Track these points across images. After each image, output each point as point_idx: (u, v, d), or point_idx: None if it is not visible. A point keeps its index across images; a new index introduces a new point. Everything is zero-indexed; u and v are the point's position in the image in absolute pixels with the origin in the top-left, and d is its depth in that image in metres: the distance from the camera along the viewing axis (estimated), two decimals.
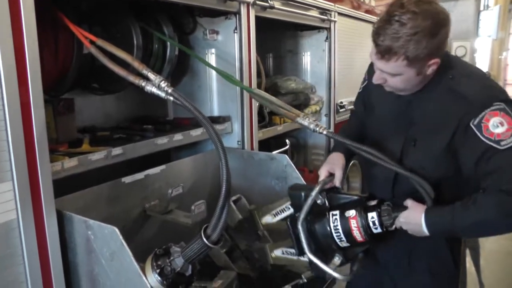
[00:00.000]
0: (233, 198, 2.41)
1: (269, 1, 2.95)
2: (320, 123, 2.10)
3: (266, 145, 3.46)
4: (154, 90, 1.72)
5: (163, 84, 1.70)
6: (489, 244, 5.06)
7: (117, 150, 2.17)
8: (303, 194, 1.97)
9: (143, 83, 1.75)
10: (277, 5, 3.05)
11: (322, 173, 2.02)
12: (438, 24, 1.63)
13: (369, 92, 2.12)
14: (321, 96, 4.20)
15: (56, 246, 1.73)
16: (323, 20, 3.86)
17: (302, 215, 1.88)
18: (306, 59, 4.30)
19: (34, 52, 1.60)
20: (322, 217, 1.89)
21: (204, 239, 1.58)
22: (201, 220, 2.21)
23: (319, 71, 4.23)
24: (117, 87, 2.53)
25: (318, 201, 1.92)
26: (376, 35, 1.68)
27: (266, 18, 3.03)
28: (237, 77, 2.85)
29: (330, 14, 3.93)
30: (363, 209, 1.84)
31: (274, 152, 3.40)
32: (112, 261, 1.65)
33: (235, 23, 2.79)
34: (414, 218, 1.78)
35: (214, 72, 2.98)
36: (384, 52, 1.67)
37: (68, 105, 2.38)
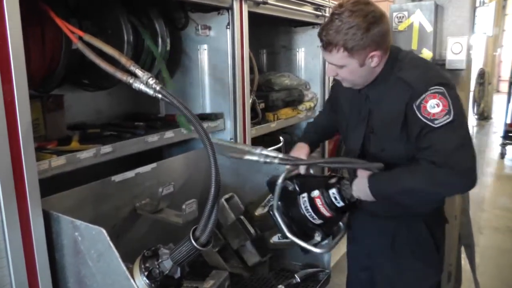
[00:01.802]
0: (226, 196, 2.38)
1: None
2: (271, 153, 2.15)
3: (260, 142, 3.42)
4: (142, 87, 1.69)
5: (151, 81, 1.67)
6: (483, 241, 5.07)
7: (106, 148, 2.13)
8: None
9: (130, 80, 1.71)
10: (270, 0, 3.01)
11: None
12: (371, 21, 1.86)
13: (337, 91, 2.35)
14: (315, 93, 4.17)
15: (42, 247, 1.68)
16: (317, 16, 3.82)
17: (274, 203, 2.08)
18: (300, 55, 4.27)
19: (18, 47, 1.55)
20: (295, 201, 2.08)
21: (193, 242, 1.55)
22: (192, 220, 2.18)
23: (313, 67, 4.20)
24: (108, 83, 2.48)
25: (290, 188, 2.11)
26: (321, 31, 1.94)
27: (260, 13, 2.99)
28: (230, 73, 2.81)
29: (325, 10, 3.89)
30: (325, 188, 2.03)
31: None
32: (99, 263, 1.62)
33: (227, 18, 2.75)
34: (362, 184, 1.98)
35: (206, 68, 2.94)
36: (327, 45, 1.92)
37: (58, 102, 2.35)
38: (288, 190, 2.11)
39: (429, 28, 2.68)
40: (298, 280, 2.39)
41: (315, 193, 2.03)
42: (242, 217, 2.24)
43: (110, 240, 1.56)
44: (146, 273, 1.60)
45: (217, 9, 2.74)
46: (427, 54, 2.70)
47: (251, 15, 2.87)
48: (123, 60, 1.77)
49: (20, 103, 1.57)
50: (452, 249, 3.11)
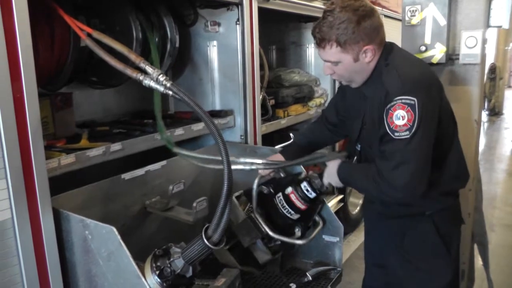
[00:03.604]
0: (236, 194, 2.36)
1: None
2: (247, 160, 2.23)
3: (270, 139, 3.40)
4: (152, 84, 1.67)
5: (161, 78, 1.64)
6: (495, 239, 5.01)
7: (116, 146, 2.13)
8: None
9: (141, 77, 1.69)
10: None
11: (260, 171, 2.30)
12: (361, 15, 1.89)
13: (344, 89, 2.35)
14: (325, 89, 4.14)
15: (53, 245, 1.68)
16: None
17: (254, 206, 2.24)
18: (310, 51, 4.24)
19: (27, 45, 1.54)
20: (272, 203, 2.25)
21: (205, 240, 1.52)
22: (203, 218, 2.16)
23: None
24: (116, 81, 2.47)
25: (265, 192, 2.28)
26: (314, 29, 1.97)
27: (269, 9, 2.96)
28: (240, 69, 2.80)
29: None
30: (296, 183, 2.21)
31: (277, 146, 3.34)
32: (109, 262, 1.61)
33: (237, 14, 2.73)
34: (332, 168, 2.14)
35: (215, 65, 2.93)
36: (320, 41, 1.95)
37: (66, 100, 2.34)
38: (264, 195, 2.28)
39: (442, 22, 2.63)
40: (310, 278, 2.36)
41: (289, 189, 2.21)
42: (253, 215, 2.22)
43: (120, 238, 1.54)
44: (157, 272, 1.58)
45: (226, 5, 2.72)
46: (440, 48, 2.66)
47: (260, 10, 2.84)
48: (133, 56, 1.75)
49: (29, 101, 1.56)
50: (465, 247, 3.07)
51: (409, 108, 1.84)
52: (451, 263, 2.23)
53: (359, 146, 2.23)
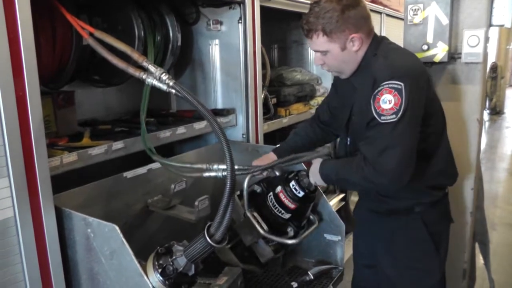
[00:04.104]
0: (238, 193, 2.35)
1: None
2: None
3: (271, 137, 3.40)
4: (155, 82, 1.66)
5: (164, 77, 1.64)
6: (496, 238, 5.01)
7: (118, 144, 2.13)
8: None
9: (143, 76, 1.69)
10: None
11: None
12: (345, 4, 1.94)
13: (336, 86, 2.42)
14: (326, 88, 4.12)
15: (55, 244, 1.67)
16: None
17: (245, 206, 2.23)
18: (312, 50, 4.21)
19: (29, 43, 1.54)
20: (265, 203, 2.26)
21: (208, 239, 1.52)
22: (205, 216, 2.16)
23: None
24: (118, 79, 2.47)
25: (258, 191, 2.32)
26: (302, 20, 2.06)
27: (271, 8, 2.96)
28: (242, 68, 2.80)
29: None
30: (285, 182, 2.22)
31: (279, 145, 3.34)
32: (112, 260, 1.61)
33: (239, 13, 2.73)
34: (315, 168, 2.13)
35: (217, 63, 2.93)
36: (307, 32, 2.02)
37: (68, 98, 2.34)
38: (257, 193, 2.32)
39: (444, 20, 2.62)
40: (312, 277, 2.36)
41: (278, 188, 2.23)
42: (255, 213, 2.22)
43: (123, 237, 1.54)
44: (159, 270, 1.58)
45: (228, 3, 2.72)
46: (442, 47, 2.65)
47: (262, 9, 2.84)
48: (136, 56, 1.75)
49: (32, 99, 1.56)
50: (467, 246, 3.06)
51: (396, 92, 1.85)
52: (440, 262, 2.25)
53: (348, 140, 2.23)
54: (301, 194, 2.20)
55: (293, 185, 2.20)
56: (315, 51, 2.08)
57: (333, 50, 2.00)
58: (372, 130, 1.93)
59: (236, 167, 2.04)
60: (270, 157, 2.40)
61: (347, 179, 2.05)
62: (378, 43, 2.06)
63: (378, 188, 2.14)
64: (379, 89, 1.88)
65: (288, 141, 2.55)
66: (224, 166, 2.10)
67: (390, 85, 1.86)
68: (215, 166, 2.14)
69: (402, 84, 1.85)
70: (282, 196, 2.21)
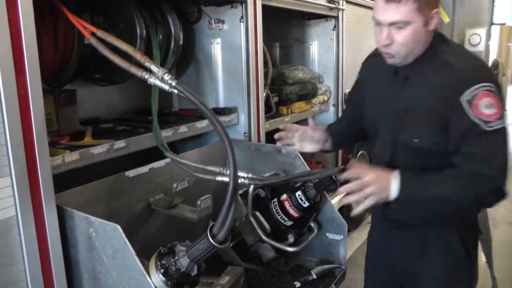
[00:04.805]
0: (240, 192, 2.35)
1: None
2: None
3: (273, 136, 3.39)
4: (158, 82, 1.66)
5: (166, 77, 1.64)
6: (498, 236, 5.00)
7: (120, 143, 2.12)
8: None
9: (146, 76, 1.69)
10: None
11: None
12: None
13: (362, 84, 2.20)
14: (328, 86, 4.13)
15: (57, 243, 1.67)
16: (330, 9, 3.79)
17: (249, 210, 2.24)
18: (314, 48, 4.23)
19: (31, 41, 1.53)
20: (268, 208, 2.29)
21: (210, 239, 1.52)
22: (207, 215, 2.16)
23: (327, 61, 4.17)
24: (120, 77, 2.46)
25: (262, 195, 2.33)
26: None
27: (273, 6, 2.95)
28: (243, 67, 2.79)
29: (338, 2, 3.85)
30: (291, 191, 2.24)
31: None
32: (114, 259, 1.60)
33: (241, 12, 2.72)
34: (387, 181, 1.74)
35: (219, 62, 2.92)
36: None
37: (70, 97, 2.34)
38: (261, 197, 2.33)
39: (446, 19, 2.63)
40: (314, 276, 2.36)
41: (283, 196, 2.25)
42: (257, 213, 2.23)
43: (125, 236, 1.54)
44: (162, 270, 1.57)
45: (230, 2, 2.72)
46: None
47: (264, 8, 2.84)
48: (138, 56, 1.74)
49: (34, 97, 1.55)
50: None
51: (493, 95, 1.66)
52: (472, 276, 2.05)
53: (390, 146, 1.92)
54: (306, 204, 2.22)
55: (299, 195, 2.22)
56: (391, 23, 1.73)
57: (416, 22, 1.70)
58: (475, 141, 1.67)
59: (250, 175, 2.12)
60: (319, 131, 2.23)
61: (445, 196, 1.71)
62: (440, 35, 1.84)
63: (481, 205, 1.87)
64: (472, 92, 1.65)
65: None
66: (238, 173, 2.00)
67: (486, 88, 1.66)
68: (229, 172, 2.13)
69: (493, 85, 1.68)
70: (287, 204, 2.24)
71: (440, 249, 1.96)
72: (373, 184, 1.73)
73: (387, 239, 2.11)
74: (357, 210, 1.85)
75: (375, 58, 2.07)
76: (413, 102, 1.84)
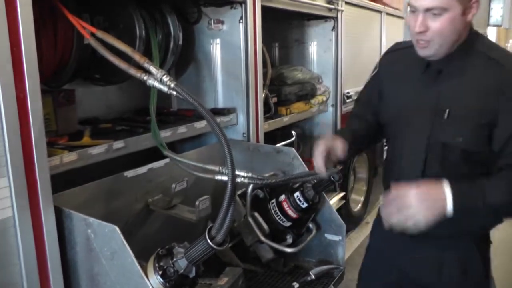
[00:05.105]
0: (239, 192, 2.35)
1: None
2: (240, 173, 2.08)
3: (272, 136, 3.40)
4: (156, 84, 1.65)
5: (165, 78, 1.63)
6: (498, 235, 4.98)
7: (118, 144, 2.11)
8: None
9: (145, 77, 1.68)
10: None
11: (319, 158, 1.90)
12: None
13: (381, 80, 2.05)
14: (327, 86, 4.13)
15: (54, 245, 1.66)
16: (330, 10, 3.79)
17: (247, 210, 2.25)
18: (313, 49, 4.23)
19: (30, 41, 1.52)
20: (266, 208, 2.29)
21: (209, 241, 1.51)
22: (205, 216, 2.16)
23: (326, 61, 4.16)
24: (119, 78, 2.46)
25: (261, 196, 2.33)
26: None
27: (272, 7, 2.95)
28: (243, 67, 2.78)
29: (337, 3, 3.85)
30: (290, 192, 2.23)
31: (280, 144, 3.33)
32: (112, 261, 1.59)
33: (240, 12, 2.72)
34: (433, 188, 1.60)
35: (219, 63, 2.91)
36: None
37: (69, 97, 2.33)
38: (260, 198, 2.33)
39: None
40: (313, 277, 2.36)
41: (282, 197, 2.24)
42: (256, 213, 2.23)
43: (123, 238, 1.53)
44: (160, 272, 1.57)
45: (230, 3, 2.71)
46: None
47: (264, 8, 2.83)
48: (137, 57, 1.74)
49: (32, 97, 1.54)
50: None
51: None
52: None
53: (425, 146, 1.81)
54: (305, 205, 2.22)
55: (297, 196, 2.21)
56: (427, 9, 1.63)
57: (454, 10, 1.61)
58: None
59: (250, 174, 2.05)
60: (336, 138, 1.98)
61: (503, 201, 1.63)
62: (477, 34, 1.78)
63: None
64: None
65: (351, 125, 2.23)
66: (238, 173, 1.99)
67: None
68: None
69: None
70: (285, 205, 2.23)
71: (459, 259, 1.88)
72: (417, 203, 1.58)
73: (401, 252, 2.00)
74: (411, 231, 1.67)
75: (395, 53, 2.03)
76: (452, 99, 1.75)
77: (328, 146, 1.91)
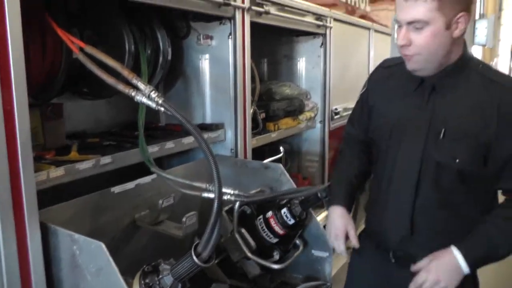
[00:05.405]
0: (226, 208, 2.34)
1: (264, 7, 2.89)
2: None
3: (260, 152, 3.40)
4: (145, 100, 1.66)
5: (153, 94, 1.64)
6: None
7: (106, 159, 2.10)
8: None
9: (133, 93, 1.69)
10: (272, 10, 2.99)
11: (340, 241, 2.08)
12: None
13: (371, 97, 2.05)
14: (315, 103, 4.14)
15: (39, 261, 1.64)
16: (318, 26, 3.81)
17: (234, 226, 2.23)
18: (301, 65, 4.24)
19: (19, 54, 1.52)
20: (253, 224, 2.27)
21: (194, 258, 1.51)
22: (192, 232, 2.15)
23: (314, 77, 4.18)
24: (107, 92, 2.45)
25: (248, 212, 2.30)
26: None
27: (261, 24, 2.97)
28: (231, 83, 2.79)
29: (326, 20, 3.88)
30: (277, 208, 2.22)
31: (267, 160, 3.34)
32: (98, 277, 1.58)
33: (229, 28, 2.73)
34: (446, 258, 1.70)
35: (207, 78, 2.92)
36: None
37: (57, 110, 2.32)
38: (247, 214, 2.30)
39: None
40: None
41: (269, 214, 2.23)
42: (243, 229, 2.22)
43: (109, 255, 1.52)
44: None
45: (219, 18, 2.72)
46: None
47: (253, 25, 2.85)
48: (126, 73, 1.75)
49: (20, 111, 1.53)
50: None
51: None
52: None
53: (419, 165, 1.78)
54: (292, 222, 2.21)
55: (284, 212, 2.20)
56: (409, 22, 1.64)
57: (435, 23, 1.60)
58: None
59: (236, 192, 2.12)
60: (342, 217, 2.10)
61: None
62: (471, 54, 1.80)
63: None
64: None
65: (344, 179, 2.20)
66: (224, 190, 2.06)
67: None
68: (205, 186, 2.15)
69: None
70: (272, 221, 2.22)
71: None
72: (440, 276, 1.68)
73: (388, 276, 2.03)
74: None
75: (386, 70, 2.02)
76: (448, 118, 1.74)
77: (345, 229, 2.07)
